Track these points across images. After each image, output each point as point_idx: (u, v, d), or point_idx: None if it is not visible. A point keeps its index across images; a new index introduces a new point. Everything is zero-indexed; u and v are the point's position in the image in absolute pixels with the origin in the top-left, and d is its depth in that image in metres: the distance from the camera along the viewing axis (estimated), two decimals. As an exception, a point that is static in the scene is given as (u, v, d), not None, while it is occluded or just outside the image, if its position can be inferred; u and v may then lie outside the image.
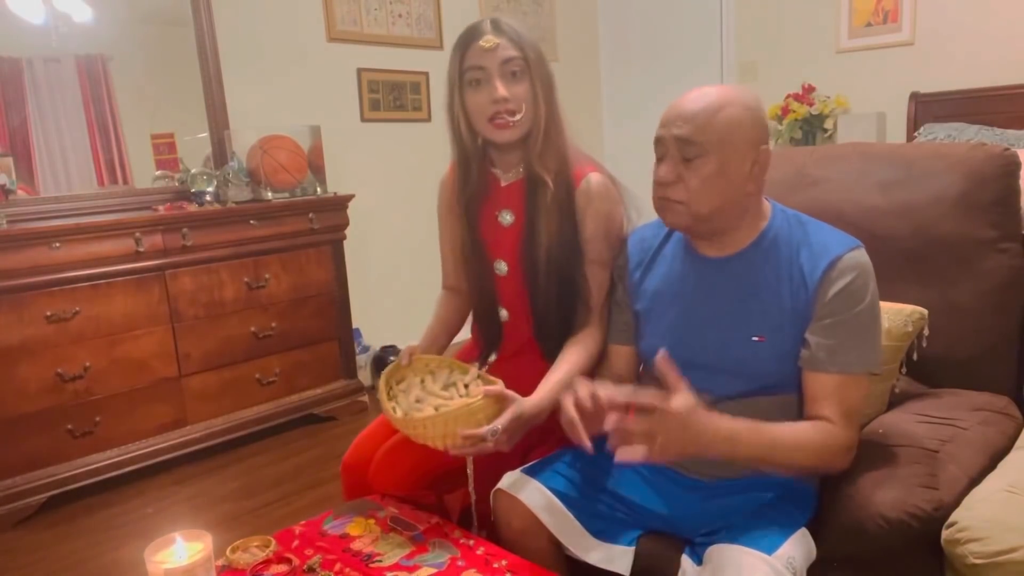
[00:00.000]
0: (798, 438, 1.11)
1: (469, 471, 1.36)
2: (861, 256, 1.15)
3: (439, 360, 1.45)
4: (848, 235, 1.17)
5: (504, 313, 1.50)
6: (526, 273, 1.42)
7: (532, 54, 1.35)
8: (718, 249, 1.22)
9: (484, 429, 1.20)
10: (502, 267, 1.47)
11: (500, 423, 1.21)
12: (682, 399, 1.03)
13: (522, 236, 1.42)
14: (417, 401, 1.35)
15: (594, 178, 1.39)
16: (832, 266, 1.13)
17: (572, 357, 1.36)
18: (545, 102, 1.36)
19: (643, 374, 1.36)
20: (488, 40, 1.32)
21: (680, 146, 1.14)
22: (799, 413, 1.17)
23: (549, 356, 1.42)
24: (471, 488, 1.36)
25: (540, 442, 1.43)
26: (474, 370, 1.41)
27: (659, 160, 1.17)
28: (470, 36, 1.35)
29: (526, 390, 1.39)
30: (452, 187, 1.50)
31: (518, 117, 1.34)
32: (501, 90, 1.32)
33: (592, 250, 1.39)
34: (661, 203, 1.19)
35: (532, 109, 1.36)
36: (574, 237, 1.39)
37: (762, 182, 1.18)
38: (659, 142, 1.16)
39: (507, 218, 1.45)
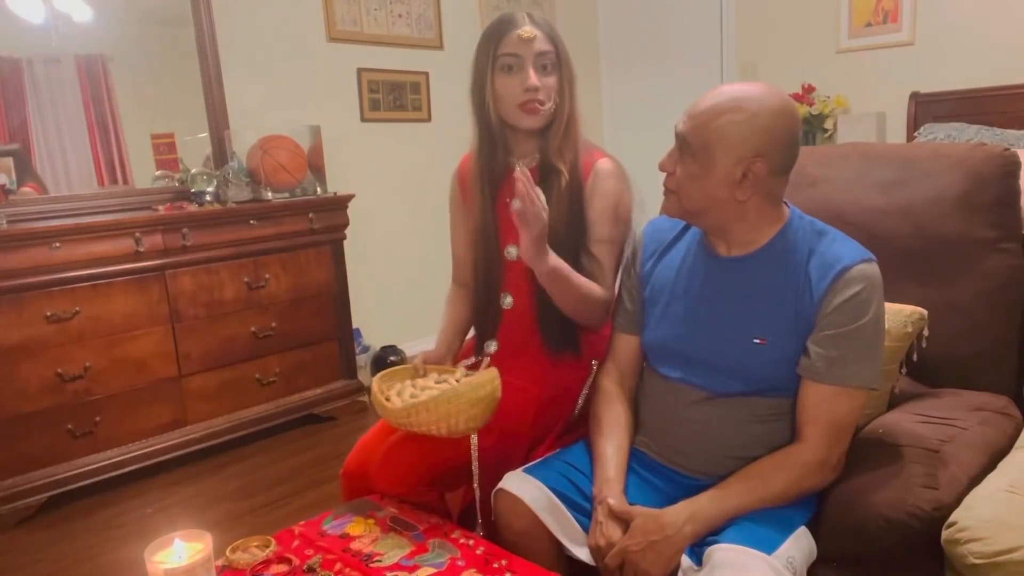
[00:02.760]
0: (766, 479, 1.14)
1: (474, 468, 1.37)
2: (871, 269, 1.14)
3: (424, 368, 1.49)
4: (863, 248, 1.17)
5: (509, 300, 1.51)
6: None
7: (563, 51, 1.41)
8: (729, 248, 1.23)
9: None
10: (513, 252, 1.48)
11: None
12: (632, 530, 1.13)
13: None
14: (412, 397, 1.37)
15: (604, 163, 1.44)
16: (839, 276, 1.13)
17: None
18: (569, 97, 1.42)
19: (646, 366, 1.37)
20: (527, 31, 1.37)
21: (680, 140, 1.17)
22: (794, 417, 1.18)
23: (550, 346, 1.43)
24: (475, 484, 1.37)
25: (541, 440, 1.43)
26: (461, 369, 1.45)
27: (672, 147, 1.20)
28: (506, 25, 1.39)
29: (528, 384, 1.40)
30: (467, 177, 1.52)
31: (547, 107, 1.40)
32: (534, 79, 1.37)
33: (600, 230, 1.41)
34: (664, 190, 1.23)
35: (559, 102, 1.41)
36: (582, 224, 1.41)
37: (769, 193, 1.17)
38: (675, 129, 1.19)
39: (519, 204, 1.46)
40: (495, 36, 1.40)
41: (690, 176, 1.16)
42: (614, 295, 1.43)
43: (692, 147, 1.14)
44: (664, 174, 1.23)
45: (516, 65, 1.38)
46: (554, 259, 1.30)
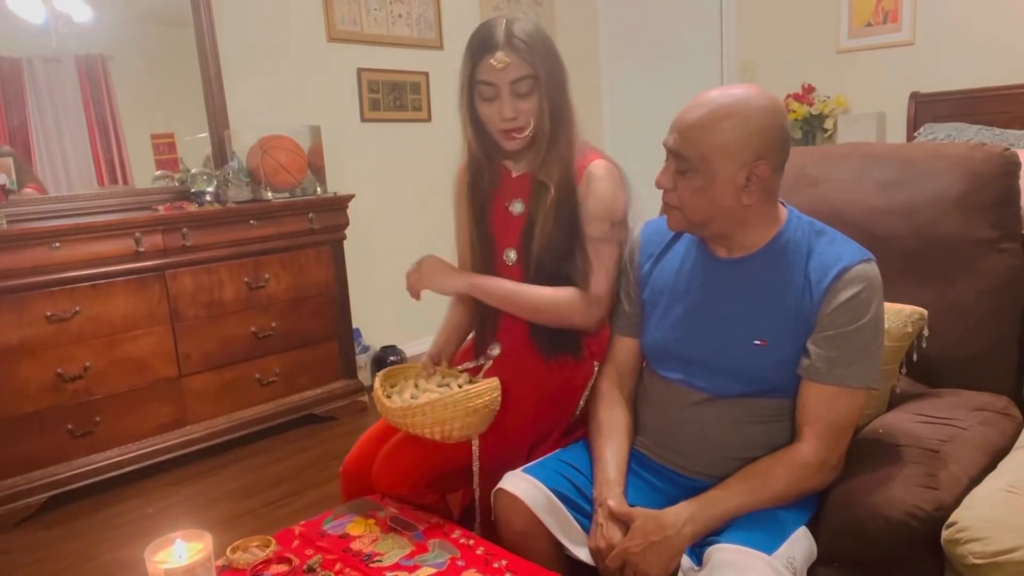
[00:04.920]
0: (766, 479, 1.14)
1: (475, 468, 1.37)
2: (870, 269, 1.14)
3: (431, 368, 1.51)
4: (862, 248, 1.17)
5: None
6: (524, 262, 1.44)
7: (543, 68, 1.35)
8: (728, 251, 1.23)
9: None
10: (511, 255, 1.48)
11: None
12: (632, 531, 1.13)
13: (524, 226, 1.44)
14: (412, 398, 1.39)
15: (597, 165, 1.41)
16: (839, 277, 1.13)
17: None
18: (551, 116, 1.38)
19: (645, 368, 1.37)
20: (500, 60, 1.33)
21: (673, 156, 1.16)
22: (794, 417, 1.18)
23: (543, 352, 1.43)
24: (476, 484, 1.37)
25: (543, 441, 1.43)
26: (465, 376, 1.46)
27: (664, 163, 1.19)
28: (482, 48, 1.35)
29: (524, 389, 1.40)
30: (465, 179, 1.52)
31: (526, 132, 1.38)
32: (508, 111, 1.36)
33: (591, 230, 1.40)
34: (663, 205, 1.23)
35: (539, 122, 1.38)
36: (574, 230, 1.40)
37: (770, 192, 1.17)
38: (664, 146, 1.18)
39: (517, 207, 1.47)
40: (474, 58, 1.37)
41: (693, 190, 1.15)
42: (604, 294, 1.42)
43: (690, 161, 1.14)
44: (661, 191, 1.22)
45: (492, 94, 1.36)
46: (465, 277, 1.45)
